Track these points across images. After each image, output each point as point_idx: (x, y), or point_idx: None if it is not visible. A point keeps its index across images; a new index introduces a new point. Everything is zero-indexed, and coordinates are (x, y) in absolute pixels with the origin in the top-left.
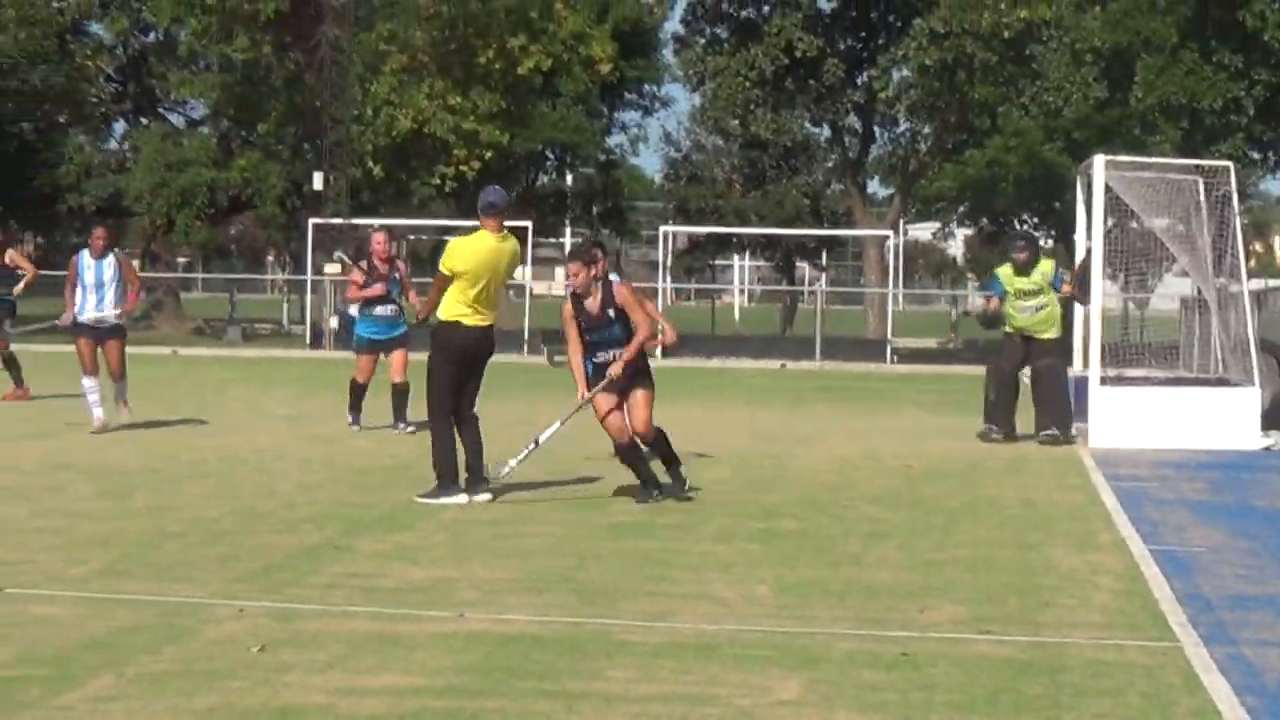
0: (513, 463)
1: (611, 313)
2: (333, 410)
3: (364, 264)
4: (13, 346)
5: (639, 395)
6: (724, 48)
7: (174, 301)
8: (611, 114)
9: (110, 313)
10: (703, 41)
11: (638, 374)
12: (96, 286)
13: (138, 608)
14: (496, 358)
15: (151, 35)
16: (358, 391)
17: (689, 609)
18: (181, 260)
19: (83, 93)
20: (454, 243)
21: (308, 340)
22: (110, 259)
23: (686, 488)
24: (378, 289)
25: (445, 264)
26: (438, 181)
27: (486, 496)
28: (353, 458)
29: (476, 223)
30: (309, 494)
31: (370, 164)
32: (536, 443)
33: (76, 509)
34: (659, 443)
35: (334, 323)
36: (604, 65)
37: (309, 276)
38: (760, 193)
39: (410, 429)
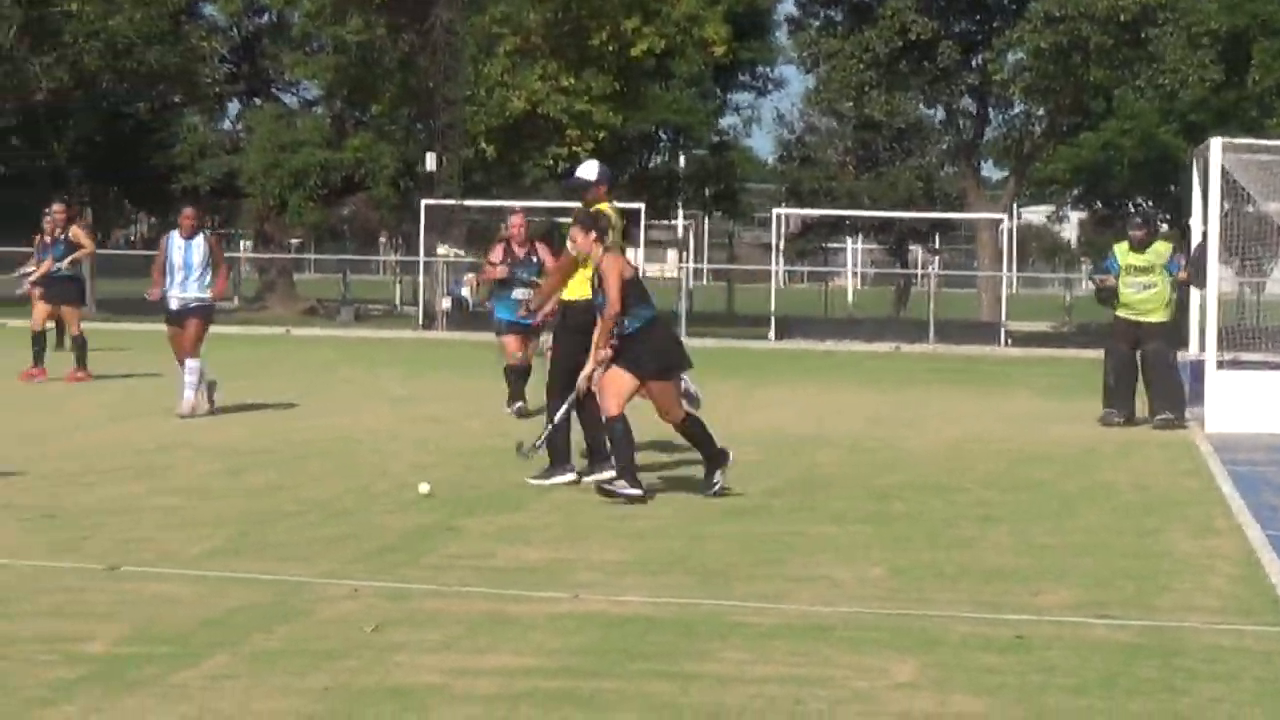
0: (537, 444)
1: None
2: (446, 391)
3: (501, 245)
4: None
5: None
6: (838, 30)
7: (286, 282)
8: (725, 96)
9: (194, 295)
10: (817, 23)
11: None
12: (184, 267)
13: (253, 587)
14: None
15: (265, 16)
16: (512, 375)
17: (803, 591)
18: (294, 241)
19: (197, 73)
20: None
21: (420, 321)
22: (199, 240)
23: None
24: (500, 270)
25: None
26: (550, 163)
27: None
28: (465, 439)
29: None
30: (422, 474)
31: (483, 145)
32: (553, 423)
33: (193, 488)
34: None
35: (446, 303)
36: (718, 47)
37: (421, 257)
38: (873, 175)
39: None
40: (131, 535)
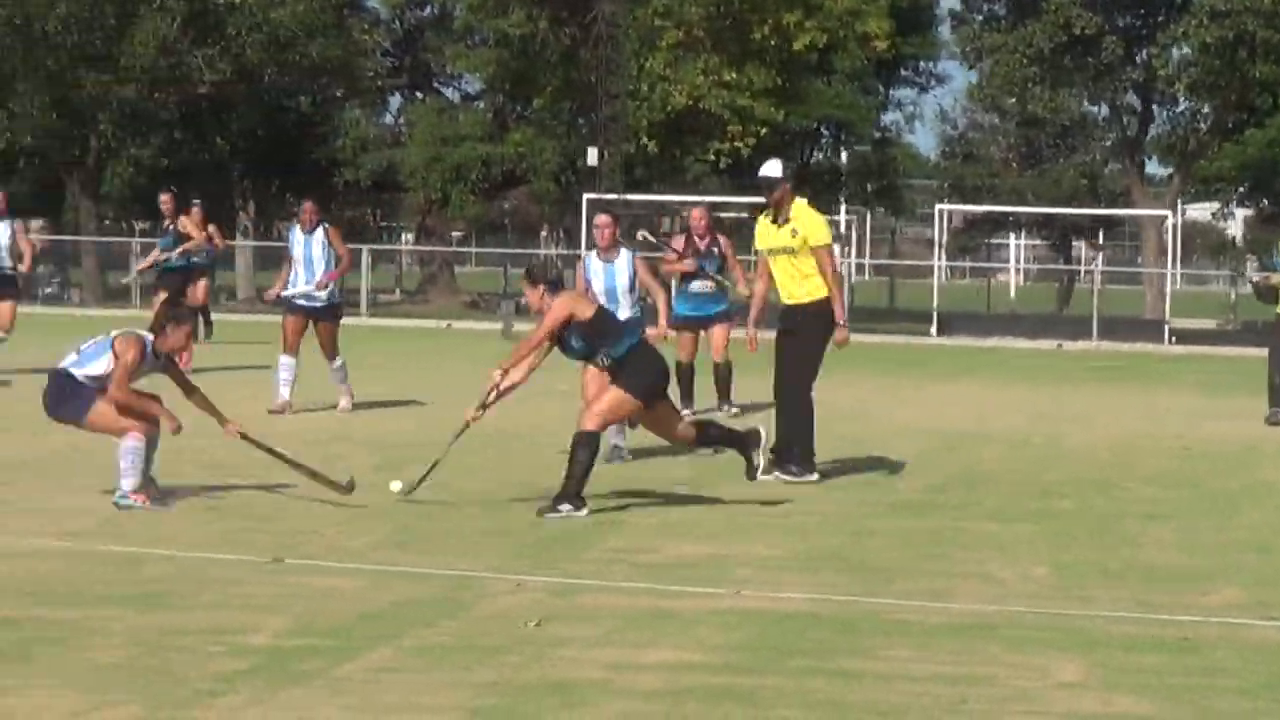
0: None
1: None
2: None
3: (681, 238)
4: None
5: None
6: (1001, 25)
7: (448, 275)
8: (887, 91)
9: (318, 289)
10: (980, 18)
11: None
12: (306, 262)
13: (416, 580)
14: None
15: (427, 9)
16: (684, 374)
17: (965, 588)
18: (455, 234)
19: (359, 67)
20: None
21: None
22: (319, 234)
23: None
24: (688, 264)
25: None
26: (711, 157)
27: (792, 474)
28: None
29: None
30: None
31: (644, 139)
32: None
33: (357, 481)
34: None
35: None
36: (879, 42)
37: (582, 251)
38: (1036, 171)
39: (734, 410)
40: (295, 528)
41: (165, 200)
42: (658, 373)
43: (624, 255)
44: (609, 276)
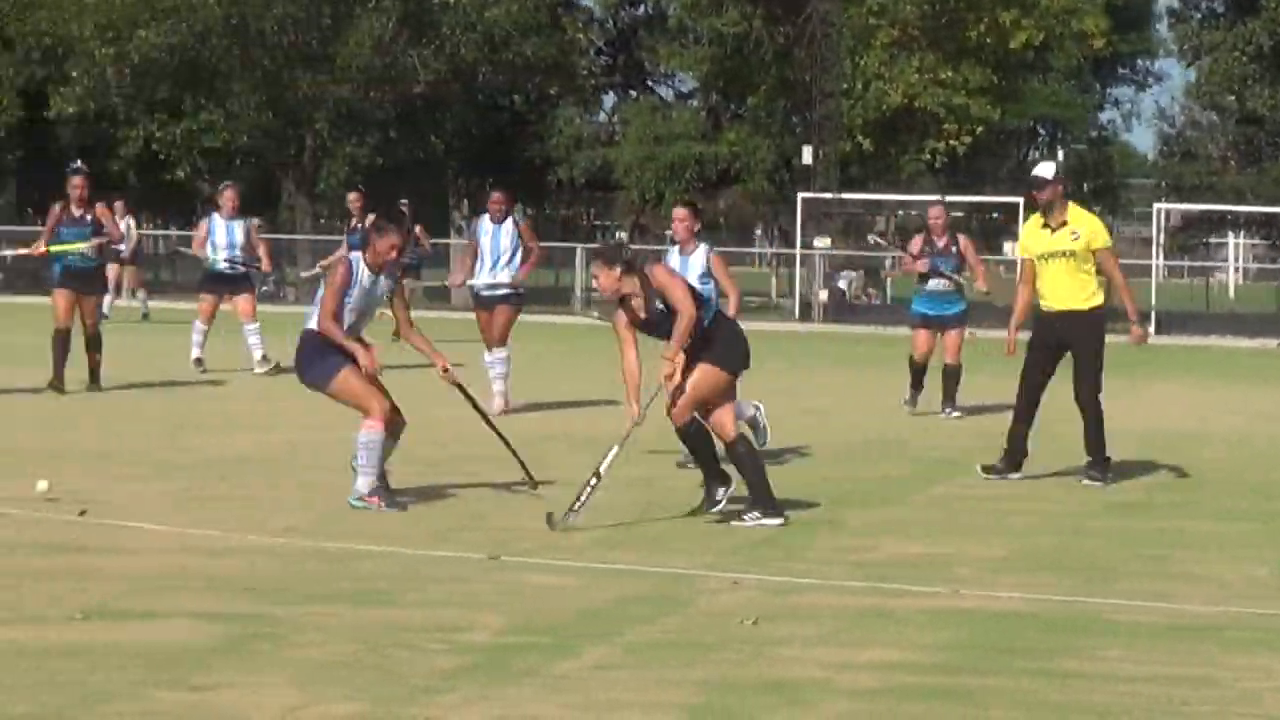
0: (577, 507)
1: (660, 305)
2: (823, 383)
3: (919, 238)
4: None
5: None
6: (1220, 22)
7: None
8: (1103, 89)
9: (504, 278)
10: (1198, 15)
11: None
12: (494, 252)
13: (632, 578)
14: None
15: (641, 8)
16: (915, 370)
17: (1186, 589)
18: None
19: (573, 65)
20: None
21: (796, 313)
22: (508, 225)
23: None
24: (921, 264)
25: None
26: (926, 156)
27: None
28: (845, 432)
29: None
30: (801, 467)
31: (859, 138)
32: (598, 476)
33: (569, 479)
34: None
35: (823, 295)
36: (1096, 40)
37: (798, 250)
38: (1256, 169)
39: (956, 414)
40: (509, 525)
41: (354, 199)
42: (742, 344)
43: (701, 250)
44: (684, 270)
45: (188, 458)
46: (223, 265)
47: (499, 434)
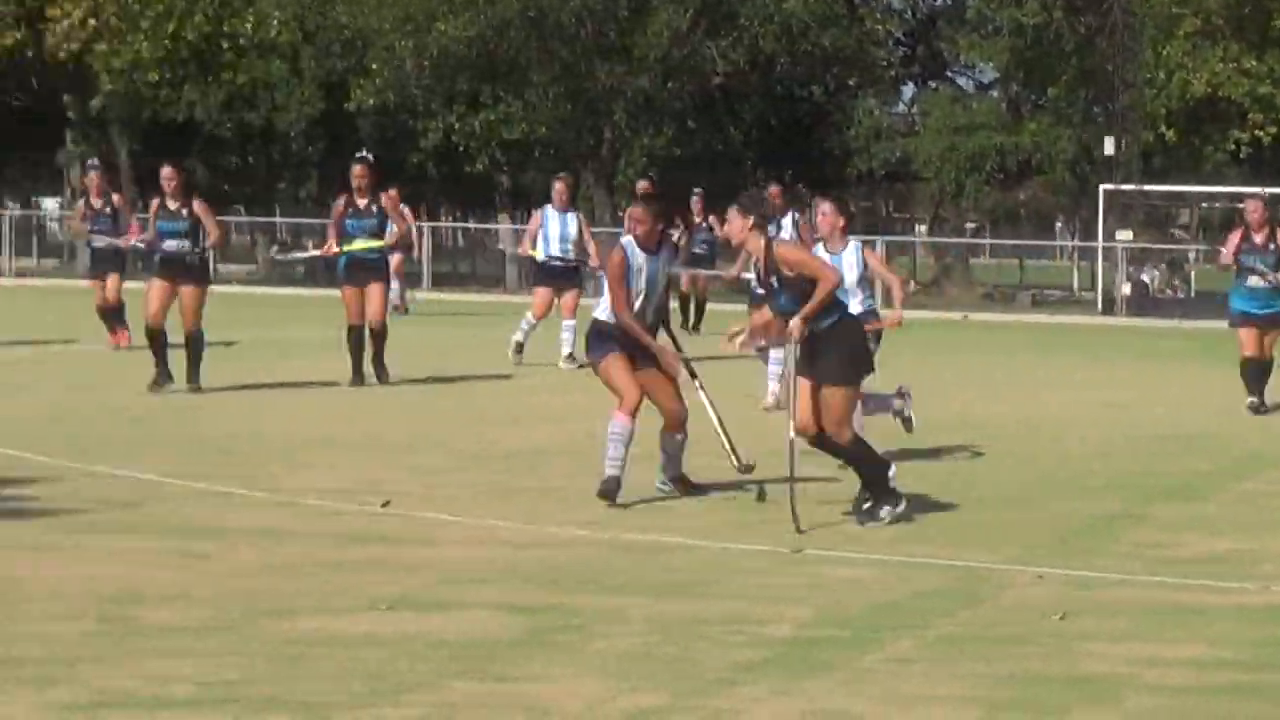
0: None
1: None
2: (1125, 377)
3: (1240, 231)
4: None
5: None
6: None
7: (963, 267)
8: None
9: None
10: None
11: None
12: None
13: (935, 571)
14: None
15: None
16: (1252, 369)
17: None
18: (970, 226)
19: (872, 56)
20: None
21: (1099, 307)
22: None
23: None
24: (1224, 260)
25: None
26: (1232, 147)
27: None
28: (1148, 426)
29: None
30: (1104, 461)
31: (1162, 128)
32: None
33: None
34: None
35: (1126, 289)
36: None
37: (1100, 243)
38: None
39: (1265, 407)
40: (811, 518)
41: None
42: (863, 353)
43: (852, 246)
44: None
45: (487, 449)
46: (555, 261)
47: (718, 417)
